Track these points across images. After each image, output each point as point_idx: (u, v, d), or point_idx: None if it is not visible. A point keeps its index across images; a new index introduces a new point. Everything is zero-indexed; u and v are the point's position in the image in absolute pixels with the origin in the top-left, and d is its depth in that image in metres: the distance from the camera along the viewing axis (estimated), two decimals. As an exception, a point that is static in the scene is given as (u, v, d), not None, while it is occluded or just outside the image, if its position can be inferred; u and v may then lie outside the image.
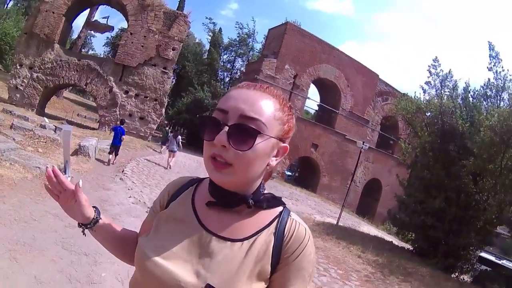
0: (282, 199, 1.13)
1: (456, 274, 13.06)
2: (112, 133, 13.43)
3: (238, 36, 44.86)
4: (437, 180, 13.63)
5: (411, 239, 15.17)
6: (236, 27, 47.97)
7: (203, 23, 47.74)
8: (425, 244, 13.65)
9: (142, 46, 22.20)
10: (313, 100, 50.03)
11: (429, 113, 15.63)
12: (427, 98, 16.15)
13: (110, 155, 12.76)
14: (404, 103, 17.09)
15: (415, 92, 22.29)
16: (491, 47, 14.24)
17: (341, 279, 7.89)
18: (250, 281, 0.96)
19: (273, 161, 1.05)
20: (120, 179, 10.50)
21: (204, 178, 1.20)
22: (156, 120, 23.19)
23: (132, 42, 22.15)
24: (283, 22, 30.09)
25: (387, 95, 33.02)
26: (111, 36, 50.38)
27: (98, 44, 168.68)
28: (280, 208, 1.10)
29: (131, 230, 1.36)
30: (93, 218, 1.24)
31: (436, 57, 15.61)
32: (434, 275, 10.65)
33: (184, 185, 1.20)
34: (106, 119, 21.79)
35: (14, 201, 5.66)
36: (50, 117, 18.91)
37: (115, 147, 12.91)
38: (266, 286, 1.01)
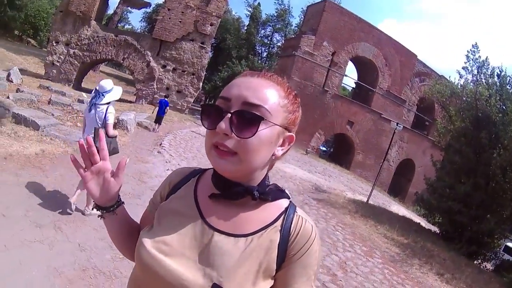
0: (286, 191, 1.10)
1: (479, 261, 13.05)
2: (157, 108, 15.00)
3: (276, 12, 44.86)
4: (468, 165, 13.54)
5: (438, 222, 15.10)
6: (275, 2, 47.77)
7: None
8: (451, 229, 13.60)
9: (180, 21, 22.29)
10: (350, 77, 49.74)
11: (464, 98, 15.38)
12: (462, 83, 15.89)
13: (156, 124, 14.51)
14: (439, 86, 16.89)
15: (449, 77, 21.76)
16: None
17: (365, 256, 8.08)
18: (257, 279, 0.94)
19: (279, 151, 1.01)
20: (158, 152, 10.71)
21: (206, 169, 1.17)
22: (193, 94, 23.44)
23: (169, 18, 22.25)
24: (322, 0, 29.74)
25: (425, 76, 32.33)
26: (148, 12, 50.54)
27: (135, 19, 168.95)
28: (285, 203, 1.06)
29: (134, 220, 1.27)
30: (117, 201, 1.13)
31: (476, 43, 15.22)
32: (455, 260, 10.68)
33: (186, 176, 1.16)
34: (143, 92, 22.29)
35: (56, 175, 6.05)
36: (87, 91, 19.39)
37: (160, 118, 14.58)
38: (272, 284, 0.98)
